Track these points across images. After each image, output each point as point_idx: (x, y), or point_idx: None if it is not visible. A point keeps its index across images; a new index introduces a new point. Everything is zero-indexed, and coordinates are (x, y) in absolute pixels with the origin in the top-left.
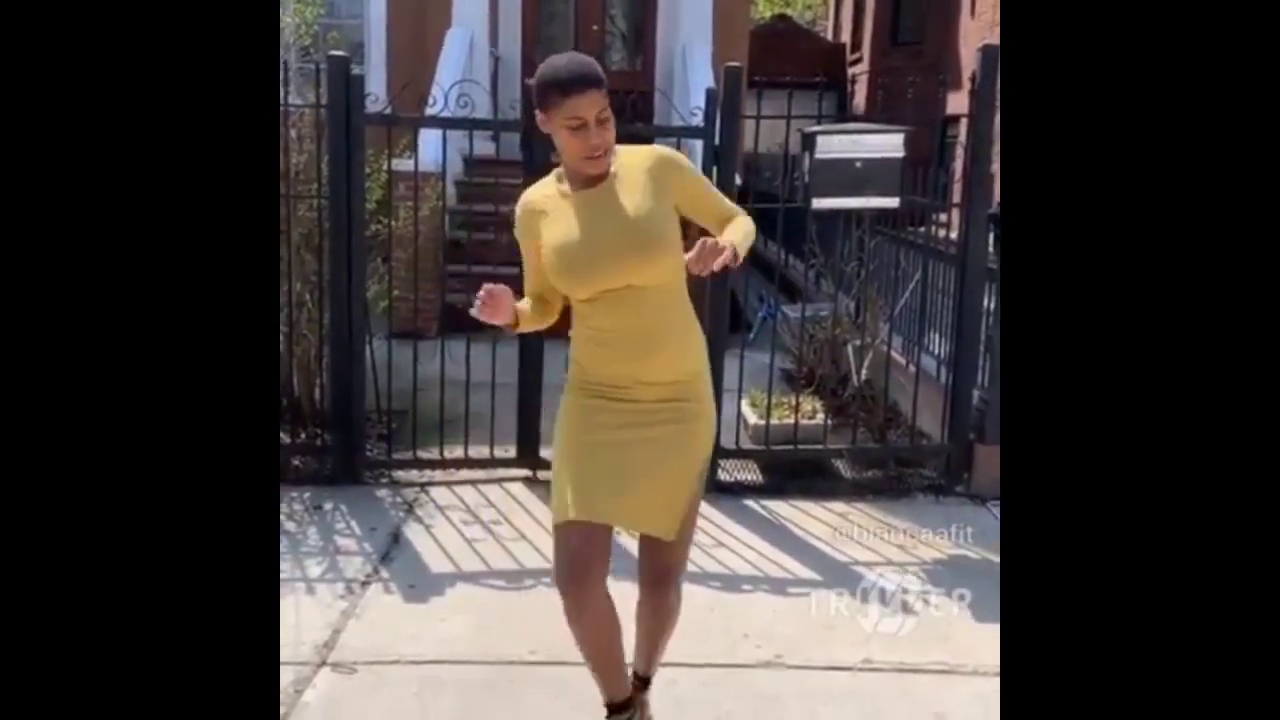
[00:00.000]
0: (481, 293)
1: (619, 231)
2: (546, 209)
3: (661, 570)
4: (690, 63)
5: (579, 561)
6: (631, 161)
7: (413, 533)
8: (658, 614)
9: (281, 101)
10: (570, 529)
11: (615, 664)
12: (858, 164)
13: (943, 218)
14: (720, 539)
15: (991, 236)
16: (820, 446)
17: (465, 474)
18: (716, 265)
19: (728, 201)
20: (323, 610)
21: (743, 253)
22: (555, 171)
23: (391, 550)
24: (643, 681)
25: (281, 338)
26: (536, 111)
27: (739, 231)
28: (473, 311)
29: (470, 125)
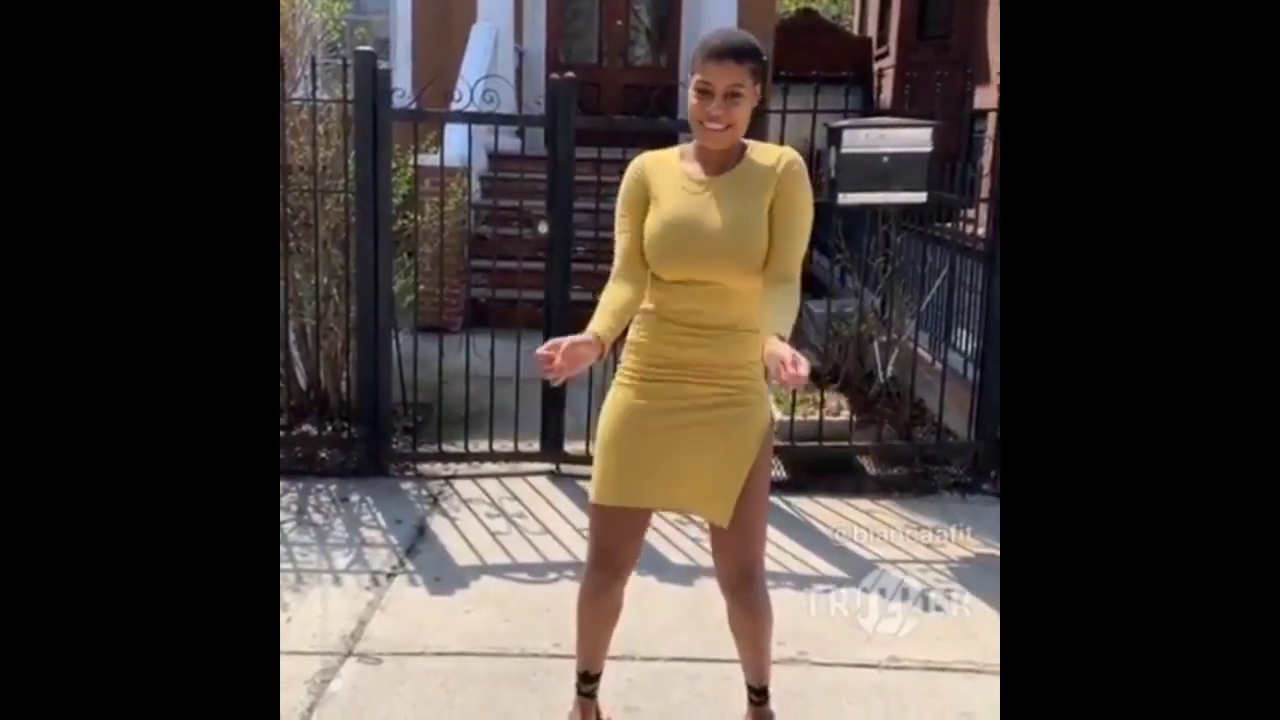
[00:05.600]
0: (547, 355)
1: (724, 229)
2: (662, 177)
3: (741, 570)
4: None
5: (608, 547)
6: (762, 160)
7: (438, 525)
8: (749, 614)
9: (309, 96)
10: (602, 511)
11: (602, 645)
12: (884, 159)
13: (970, 213)
14: None
15: None
16: (845, 443)
17: (489, 467)
18: (790, 386)
19: (798, 251)
20: (349, 601)
21: (786, 333)
22: (680, 147)
23: (417, 543)
24: (759, 694)
25: (309, 331)
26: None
27: (779, 318)
28: (549, 379)
29: (496, 120)
